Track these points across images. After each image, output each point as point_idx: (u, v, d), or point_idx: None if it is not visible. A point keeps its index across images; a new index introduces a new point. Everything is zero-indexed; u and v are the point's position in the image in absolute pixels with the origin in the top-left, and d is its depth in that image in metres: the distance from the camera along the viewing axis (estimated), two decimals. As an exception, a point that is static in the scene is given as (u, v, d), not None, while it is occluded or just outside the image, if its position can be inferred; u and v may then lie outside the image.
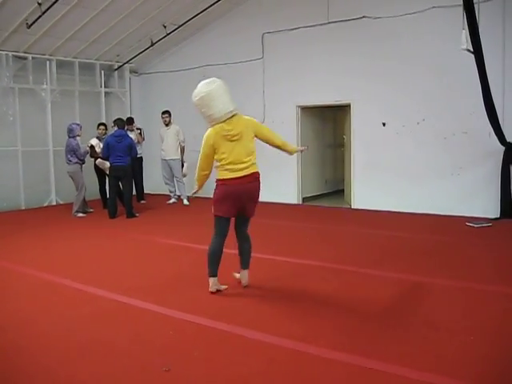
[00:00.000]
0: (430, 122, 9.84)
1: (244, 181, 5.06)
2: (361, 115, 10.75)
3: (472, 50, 7.12)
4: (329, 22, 10.78)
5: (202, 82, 5.28)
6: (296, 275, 5.91)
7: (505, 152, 9.05)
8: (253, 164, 5.19)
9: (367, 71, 10.47)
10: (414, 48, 9.88)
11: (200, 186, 5.48)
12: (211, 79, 5.38)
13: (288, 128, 11.56)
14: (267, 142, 5.36)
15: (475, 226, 8.48)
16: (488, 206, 9.26)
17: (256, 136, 5.24)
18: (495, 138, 8.77)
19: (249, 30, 11.90)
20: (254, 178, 5.20)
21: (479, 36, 6.94)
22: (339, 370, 3.49)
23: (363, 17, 10.35)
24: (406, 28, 9.91)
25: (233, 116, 5.19)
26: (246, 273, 5.37)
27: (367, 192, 10.72)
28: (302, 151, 6.20)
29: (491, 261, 6.38)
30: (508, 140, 8.94)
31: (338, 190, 13.31)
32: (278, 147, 5.41)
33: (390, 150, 10.37)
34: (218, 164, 5.15)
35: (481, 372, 3.41)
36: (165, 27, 11.82)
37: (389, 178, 10.31)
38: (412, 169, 10.02)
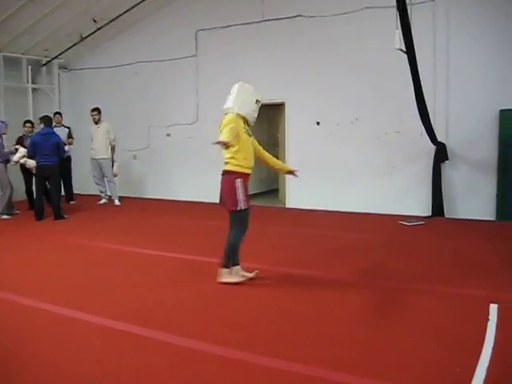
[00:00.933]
0: (364, 122, 9.92)
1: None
2: (295, 114, 10.73)
3: (405, 49, 7.16)
4: (263, 20, 10.71)
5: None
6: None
7: (436, 151, 9.20)
8: (226, 163, 5.40)
9: (301, 70, 10.46)
10: (347, 47, 9.94)
11: None
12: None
13: (222, 127, 11.42)
14: None
15: (408, 224, 8.58)
16: (420, 205, 9.41)
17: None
18: (427, 137, 8.90)
19: (182, 27, 11.67)
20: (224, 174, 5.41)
21: (412, 36, 6.97)
22: (277, 378, 3.37)
23: (298, 15, 10.33)
24: (340, 27, 9.95)
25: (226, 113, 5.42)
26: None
27: (302, 191, 10.70)
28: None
29: (422, 259, 6.42)
30: (439, 139, 9.11)
31: (273, 189, 13.27)
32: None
33: (324, 148, 10.40)
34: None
35: (421, 375, 3.37)
36: (95, 22, 11.46)
37: (323, 177, 10.32)
38: (346, 168, 10.08)
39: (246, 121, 5.42)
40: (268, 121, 13.37)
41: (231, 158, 5.31)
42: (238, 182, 5.26)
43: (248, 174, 5.40)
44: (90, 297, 5.10)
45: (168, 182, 12.27)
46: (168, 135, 12.21)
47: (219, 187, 5.46)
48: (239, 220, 5.42)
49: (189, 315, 4.55)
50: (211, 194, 11.49)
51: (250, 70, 10.93)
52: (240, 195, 5.26)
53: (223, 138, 5.10)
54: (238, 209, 5.29)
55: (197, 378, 3.38)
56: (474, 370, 3.38)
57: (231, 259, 5.41)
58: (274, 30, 10.65)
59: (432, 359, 3.59)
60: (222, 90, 11.16)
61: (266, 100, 11.01)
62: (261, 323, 4.31)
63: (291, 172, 5.88)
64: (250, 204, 5.42)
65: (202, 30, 11.48)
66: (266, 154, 5.72)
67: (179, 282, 5.55)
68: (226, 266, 5.39)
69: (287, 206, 11.07)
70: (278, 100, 10.95)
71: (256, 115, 5.51)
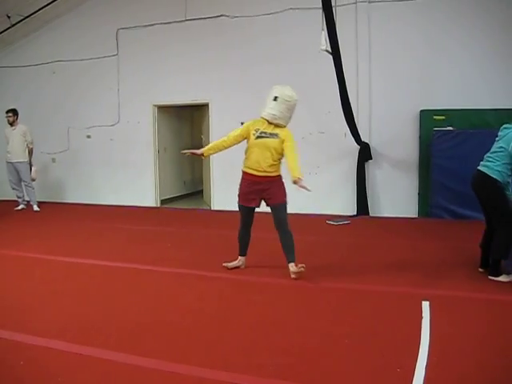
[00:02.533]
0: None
1: None
2: (219, 115, 10.63)
3: (330, 51, 7.20)
4: (186, 20, 10.55)
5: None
6: (156, 284, 5.52)
7: (360, 151, 9.34)
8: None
9: (225, 70, 10.39)
10: (272, 48, 9.94)
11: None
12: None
13: (145, 128, 11.22)
14: None
15: (335, 224, 8.65)
16: (346, 204, 9.52)
17: None
18: (351, 137, 9.01)
19: (102, 25, 11.31)
20: None
21: (337, 38, 7.02)
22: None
23: (221, 15, 10.24)
24: (264, 28, 9.94)
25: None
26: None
27: (226, 193, 10.60)
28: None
29: (350, 259, 6.46)
30: (363, 140, 9.25)
31: (197, 191, 13.14)
32: None
33: (249, 149, 10.33)
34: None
35: (361, 378, 3.34)
36: (9, 17, 10.92)
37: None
38: (272, 169, 10.04)
39: (268, 122, 5.55)
40: (192, 121, 13.25)
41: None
42: (240, 179, 5.70)
43: (248, 174, 5.63)
44: (6, 312, 4.70)
45: (89, 185, 11.88)
46: (88, 137, 11.82)
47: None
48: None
49: (128, 330, 4.34)
50: (135, 197, 11.35)
51: (173, 71, 10.78)
52: (238, 191, 5.72)
53: None
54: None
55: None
56: (414, 369, 3.38)
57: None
58: (197, 30, 10.51)
59: (371, 361, 3.56)
60: (144, 90, 11.07)
61: (189, 101, 11.01)
62: (192, 330, 4.17)
63: (296, 182, 5.33)
64: (247, 202, 5.67)
65: (123, 28, 11.17)
66: (290, 155, 5.51)
67: (103, 292, 5.29)
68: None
69: (212, 208, 10.95)
70: (202, 101, 10.83)
71: (274, 112, 5.53)
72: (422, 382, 3.22)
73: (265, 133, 5.50)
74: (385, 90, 9.41)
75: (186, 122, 13.03)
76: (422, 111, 9.15)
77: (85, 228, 8.85)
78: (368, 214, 9.47)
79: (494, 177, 5.19)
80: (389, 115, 9.40)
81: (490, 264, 5.40)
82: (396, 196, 9.38)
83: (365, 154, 9.35)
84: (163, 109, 11.48)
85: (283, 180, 5.60)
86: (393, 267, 6.04)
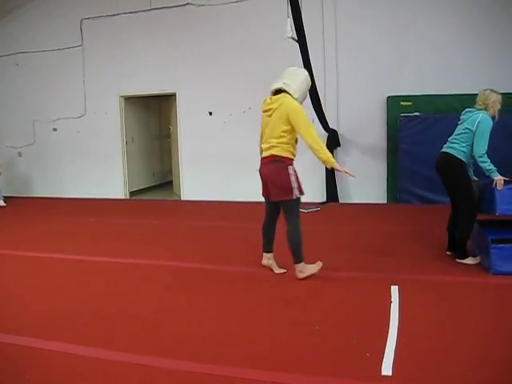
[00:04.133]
0: (256, 111, 9.80)
1: (263, 162, 4.99)
2: (187, 104, 10.56)
3: (296, 38, 7.18)
4: (152, 9, 10.43)
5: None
6: (125, 277, 5.47)
7: (328, 138, 9.36)
8: (273, 146, 4.86)
9: (192, 60, 10.31)
10: (238, 36, 9.89)
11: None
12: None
13: (112, 120, 11.09)
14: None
15: (305, 211, 8.65)
16: (316, 191, 9.54)
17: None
18: (319, 124, 9.01)
19: (66, 15, 11.09)
20: (270, 160, 4.89)
21: (303, 25, 7.00)
22: (183, 380, 3.23)
23: (187, 4, 10.15)
24: (230, 16, 9.89)
25: (278, 93, 4.99)
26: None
27: (196, 183, 10.60)
28: (346, 173, 4.97)
29: (321, 245, 6.47)
30: (331, 126, 9.27)
31: (167, 182, 13.06)
32: (310, 148, 4.82)
33: (217, 139, 10.32)
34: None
35: (331, 363, 3.36)
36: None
37: (217, 168, 10.26)
38: (240, 157, 10.01)
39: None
40: (159, 112, 13.14)
41: None
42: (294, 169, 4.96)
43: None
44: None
45: (57, 179, 11.72)
46: (54, 130, 11.64)
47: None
48: None
49: (87, 322, 4.29)
50: (103, 189, 11.23)
51: (139, 60, 10.66)
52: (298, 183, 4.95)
53: None
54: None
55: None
56: (383, 353, 3.41)
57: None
58: (163, 19, 10.40)
59: (341, 347, 3.58)
60: (110, 81, 10.93)
61: (156, 91, 10.91)
62: (161, 322, 4.14)
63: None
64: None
65: (86, 18, 10.97)
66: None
67: (72, 286, 5.22)
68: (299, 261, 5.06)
69: (182, 198, 10.90)
70: (169, 91, 10.74)
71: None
72: (390, 365, 3.25)
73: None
74: (352, 76, 9.44)
75: (153, 113, 12.92)
76: (389, 97, 9.20)
77: (52, 222, 8.72)
78: (338, 200, 9.52)
79: (460, 157, 5.27)
80: (356, 102, 9.44)
81: (457, 246, 5.48)
82: (365, 182, 9.42)
83: (333, 140, 9.37)
84: (130, 100, 11.35)
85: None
86: (362, 253, 6.08)
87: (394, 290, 4.62)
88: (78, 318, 4.24)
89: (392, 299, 4.40)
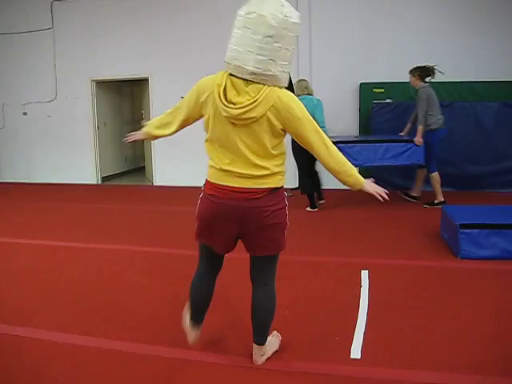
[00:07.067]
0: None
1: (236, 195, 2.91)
2: (159, 89, 10.45)
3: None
4: (124, -8, 10.30)
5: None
6: (97, 262, 5.44)
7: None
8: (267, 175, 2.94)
9: (165, 45, 10.20)
10: (210, 19, 9.78)
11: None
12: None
13: (83, 104, 10.94)
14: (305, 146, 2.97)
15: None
16: (288, 178, 9.46)
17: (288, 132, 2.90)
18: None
19: (35, -3, 10.89)
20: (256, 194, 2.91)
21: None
22: (156, 365, 3.24)
23: (160, -13, 10.04)
24: (206, 5, 9.81)
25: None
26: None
27: (168, 168, 10.55)
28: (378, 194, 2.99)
29: (291, 230, 6.49)
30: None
31: (139, 167, 12.97)
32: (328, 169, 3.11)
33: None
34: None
35: (300, 347, 3.38)
36: None
37: (189, 153, 10.16)
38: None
39: None
40: (132, 96, 13.01)
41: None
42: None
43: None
44: None
45: (27, 164, 11.54)
46: (25, 114, 11.45)
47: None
48: None
49: (56, 307, 4.26)
50: (75, 174, 11.11)
51: (112, 44, 10.52)
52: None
53: None
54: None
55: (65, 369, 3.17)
56: (352, 336, 3.46)
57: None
58: (136, 2, 10.26)
59: (310, 331, 3.62)
60: (82, 65, 10.78)
61: (128, 75, 10.79)
62: (132, 307, 4.14)
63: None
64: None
65: (57, 0, 10.78)
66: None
67: (43, 272, 5.17)
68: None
69: (154, 183, 10.84)
70: (142, 75, 10.62)
71: None
72: (359, 348, 3.30)
73: None
74: (325, 62, 9.44)
75: (126, 98, 12.77)
76: (361, 84, 9.23)
77: (23, 207, 8.61)
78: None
79: None
80: (329, 88, 9.41)
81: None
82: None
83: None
84: (102, 84, 11.20)
85: None
86: (332, 238, 6.15)
87: (364, 274, 4.68)
88: (48, 304, 4.22)
89: (362, 284, 4.45)
